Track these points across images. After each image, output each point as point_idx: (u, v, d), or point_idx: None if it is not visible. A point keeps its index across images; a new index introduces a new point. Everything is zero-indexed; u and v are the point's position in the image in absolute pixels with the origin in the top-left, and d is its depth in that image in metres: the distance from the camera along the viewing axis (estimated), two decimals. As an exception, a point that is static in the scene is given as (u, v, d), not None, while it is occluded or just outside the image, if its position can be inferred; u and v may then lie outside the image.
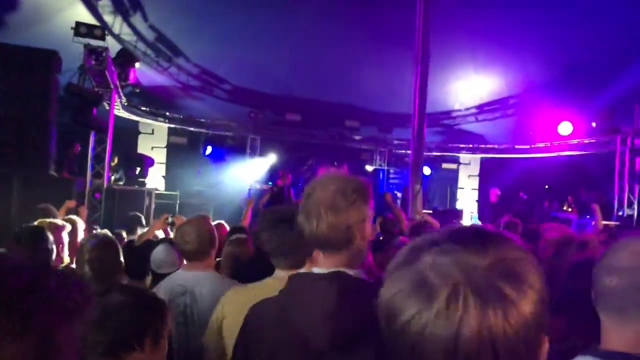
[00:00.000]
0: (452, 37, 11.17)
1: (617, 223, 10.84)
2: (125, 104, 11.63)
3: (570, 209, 12.18)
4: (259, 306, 1.74)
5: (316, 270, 1.64)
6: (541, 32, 11.26)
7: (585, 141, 12.91)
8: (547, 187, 15.76)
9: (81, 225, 3.98)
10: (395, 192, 14.90)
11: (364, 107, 13.97)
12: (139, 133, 13.61)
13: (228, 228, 4.90)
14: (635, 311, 1.22)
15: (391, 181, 16.46)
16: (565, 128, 13.03)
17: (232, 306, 2.26)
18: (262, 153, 14.10)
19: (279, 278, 2.09)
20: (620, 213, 11.81)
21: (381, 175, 15.22)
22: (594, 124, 12.25)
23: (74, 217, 3.97)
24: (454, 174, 16.36)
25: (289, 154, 14.12)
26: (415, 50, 9.02)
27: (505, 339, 0.73)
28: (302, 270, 1.71)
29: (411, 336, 0.76)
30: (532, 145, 14.30)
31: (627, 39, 10.90)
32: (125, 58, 10.57)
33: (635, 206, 11.83)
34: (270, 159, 13.73)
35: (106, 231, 3.09)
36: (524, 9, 10.73)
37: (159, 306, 1.79)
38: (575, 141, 13.10)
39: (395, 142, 15.09)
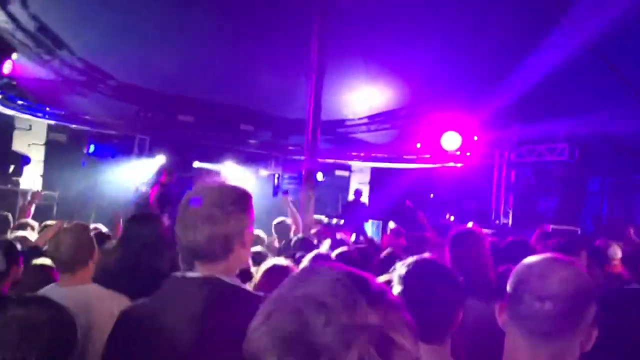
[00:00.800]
0: (346, 46, 11.43)
1: (493, 231, 11.62)
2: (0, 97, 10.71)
3: (452, 218, 12.87)
4: (129, 311, 1.70)
5: (190, 274, 1.62)
6: (427, 48, 11.82)
7: (467, 154, 13.74)
8: (431, 195, 16.59)
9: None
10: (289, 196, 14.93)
11: (260, 111, 13.91)
12: (15, 129, 12.58)
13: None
14: (560, 334, 1.28)
15: (286, 186, 16.52)
16: (449, 141, 13.82)
17: None
18: (150, 153, 13.54)
19: None
20: (498, 221, 12.70)
21: (276, 180, 15.23)
22: (475, 138, 13.07)
23: None
24: (346, 181, 16.74)
25: (180, 155, 13.68)
26: (311, 57, 9.13)
27: None
28: (177, 275, 1.65)
29: None
30: (418, 156, 14.97)
31: (506, 56, 11.76)
32: (1, 47, 9.73)
33: (510, 215, 12.80)
34: (160, 160, 13.23)
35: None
36: (415, 24, 11.20)
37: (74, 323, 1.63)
38: (457, 153, 13.91)
39: (291, 147, 15.15)
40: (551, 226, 11.35)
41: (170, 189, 10.85)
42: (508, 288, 1.35)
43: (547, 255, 1.41)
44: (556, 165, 12.08)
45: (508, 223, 12.45)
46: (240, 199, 1.70)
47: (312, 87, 9.02)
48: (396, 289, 1.72)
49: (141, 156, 13.52)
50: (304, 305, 0.76)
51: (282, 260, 3.00)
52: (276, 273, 2.80)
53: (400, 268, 1.78)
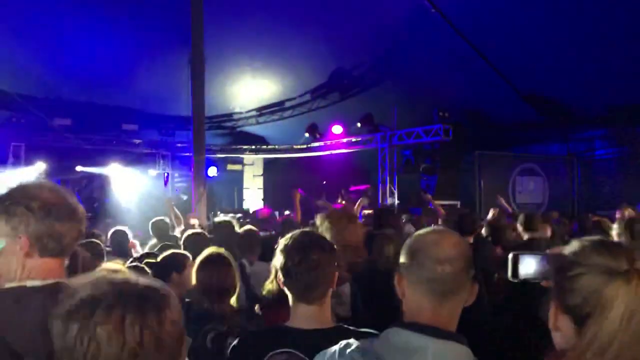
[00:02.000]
0: (227, 39, 11.41)
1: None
2: None
3: (342, 202, 13.33)
4: None
5: (30, 283, 1.57)
6: (311, 40, 12.10)
7: (353, 140, 14.27)
8: (324, 182, 17.04)
9: None
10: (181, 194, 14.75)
11: (142, 109, 13.52)
12: None
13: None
14: (456, 291, 1.47)
15: (177, 184, 16.21)
16: (337, 129, 14.35)
17: None
18: (27, 161, 12.74)
19: None
20: (385, 202, 13.32)
21: (166, 179, 14.92)
22: (359, 125, 13.61)
23: None
24: (239, 174, 16.75)
25: (60, 161, 13.00)
26: (190, 52, 9.05)
27: None
28: (13, 284, 1.58)
29: None
30: (308, 145, 15.31)
31: (384, 48, 12.33)
32: None
33: (396, 194, 13.48)
34: (39, 167, 12.48)
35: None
36: (294, 14, 11.40)
37: None
38: (344, 140, 14.41)
39: (178, 145, 14.89)
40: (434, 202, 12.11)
41: None
42: (404, 259, 1.54)
43: (432, 227, 1.62)
44: (433, 145, 12.87)
45: (394, 202, 13.11)
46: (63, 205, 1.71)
47: (193, 81, 8.94)
48: (279, 259, 1.97)
49: (17, 165, 12.69)
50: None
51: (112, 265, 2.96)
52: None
53: (282, 241, 2.03)
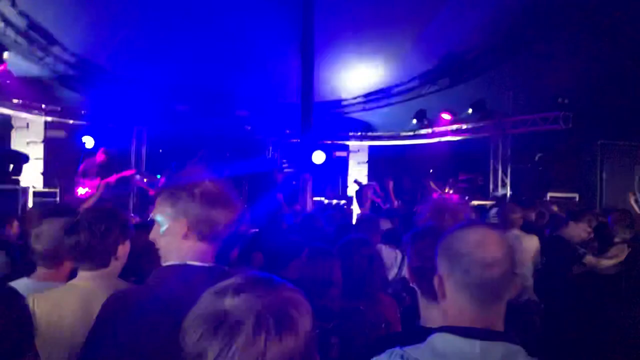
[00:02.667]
0: (335, 26, 11.42)
1: (493, 202, 11.71)
2: (-6, 96, 10.78)
3: (450, 191, 12.96)
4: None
5: (190, 262, 1.73)
6: (419, 23, 11.82)
7: (463, 127, 13.77)
8: (430, 171, 16.68)
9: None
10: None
11: (255, 96, 13.94)
12: (12, 128, 12.65)
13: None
14: (505, 293, 1.40)
15: (285, 170, 16.62)
16: (447, 115, 13.92)
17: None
18: (149, 145, 13.64)
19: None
20: (496, 193, 12.78)
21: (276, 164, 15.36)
22: (470, 111, 13.10)
23: None
24: (344, 161, 16.81)
25: (178, 144, 13.76)
26: (300, 40, 9.17)
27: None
28: (175, 262, 1.73)
29: None
30: (415, 132, 15.01)
31: (500, 30, 11.75)
32: (-8, 47, 9.78)
33: (508, 186, 12.87)
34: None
35: None
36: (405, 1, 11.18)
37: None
38: (454, 127, 13.94)
39: (288, 131, 15.22)
40: (550, 195, 11.47)
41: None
42: (446, 261, 1.45)
43: (470, 224, 1.52)
44: (550, 133, 12.11)
45: (506, 194, 12.53)
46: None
47: (303, 68, 9.05)
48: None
49: (140, 147, 13.62)
50: (219, 291, 1.01)
51: None
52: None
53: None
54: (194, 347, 0.94)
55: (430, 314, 1.88)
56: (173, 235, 1.73)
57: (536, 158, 12.46)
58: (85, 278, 2.21)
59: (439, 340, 1.38)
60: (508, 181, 12.89)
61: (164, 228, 1.74)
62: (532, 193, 11.62)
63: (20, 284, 2.22)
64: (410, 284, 1.97)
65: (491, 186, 13.01)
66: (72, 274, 2.34)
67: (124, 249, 2.30)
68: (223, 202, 1.76)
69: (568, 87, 11.89)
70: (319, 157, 14.46)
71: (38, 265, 2.44)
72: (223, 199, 1.76)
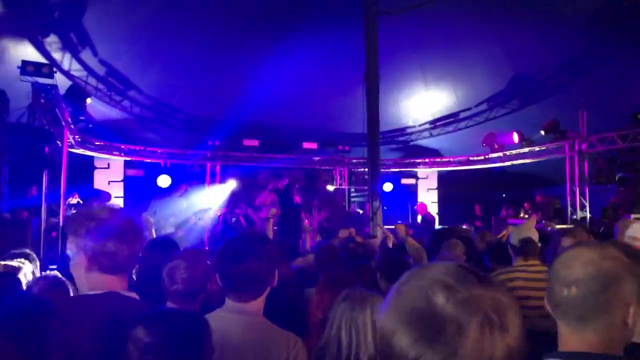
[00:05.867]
0: (400, 54, 11.48)
1: (572, 226, 11.19)
2: (79, 140, 11.48)
3: (526, 215, 12.50)
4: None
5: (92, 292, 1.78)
6: (486, 45, 11.68)
7: (537, 149, 13.31)
8: (504, 195, 16.20)
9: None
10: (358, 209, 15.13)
11: (321, 128, 14.13)
12: (95, 168, 13.40)
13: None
14: (594, 315, 1.34)
15: (353, 200, 16.65)
16: (516, 137, 13.52)
17: None
18: (221, 180, 14.04)
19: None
20: (575, 217, 12.20)
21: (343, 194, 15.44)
22: (542, 132, 12.68)
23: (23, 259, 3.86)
24: (414, 188, 16.62)
25: (249, 179, 14.11)
26: (365, 70, 9.24)
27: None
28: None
29: None
30: (486, 156, 14.66)
31: (569, 49, 11.43)
32: (76, 94, 10.46)
33: (588, 208, 12.25)
34: (230, 185, 13.68)
35: (56, 273, 3.02)
36: (469, 22, 11.11)
37: None
38: (526, 150, 13.51)
39: (354, 161, 15.29)
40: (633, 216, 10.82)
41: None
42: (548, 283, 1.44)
43: (580, 243, 1.47)
44: (630, 152, 11.48)
45: (586, 217, 11.94)
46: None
47: (368, 98, 9.10)
48: None
49: (213, 183, 14.04)
50: (427, 285, 0.90)
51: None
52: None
53: None
54: (407, 352, 0.86)
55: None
56: (80, 267, 1.77)
57: (616, 178, 11.83)
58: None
59: None
60: (587, 203, 12.29)
61: (73, 262, 1.79)
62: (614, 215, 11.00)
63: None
64: None
65: (569, 209, 12.44)
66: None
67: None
68: (121, 234, 1.77)
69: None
70: (387, 186, 14.41)
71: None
72: (121, 230, 1.77)
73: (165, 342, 1.47)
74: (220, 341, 1.58)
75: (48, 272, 3.10)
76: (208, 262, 2.49)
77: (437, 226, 13.65)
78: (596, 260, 1.36)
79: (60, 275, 2.88)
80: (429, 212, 14.36)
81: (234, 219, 12.23)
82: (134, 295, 1.83)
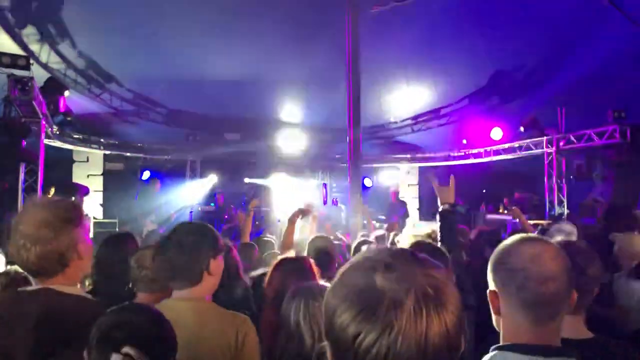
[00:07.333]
0: (382, 51, 11.47)
1: (550, 221, 11.32)
2: (57, 133, 11.31)
3: (505, 211, 12.64)
4: None
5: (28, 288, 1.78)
6: (466, 43, 11.73)
7: (516, 145, 13.45)
8: (484, 191, 16.35)
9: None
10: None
11: (302, 123, 14.11)
12: (73, 162, 13.24)
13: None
14: (562, 308, 1.38)
15: (334, 194, 16.65)
16: (496, 133, 13.64)
17: None
18: (202, 174, 13.97)
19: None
20: (552, 212, 12.36)
21: (324, 190, 15.41)
22: (521, 128, 12.81)
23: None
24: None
25: (230, 173, 14.05)
26: (347, 65, 9.22)
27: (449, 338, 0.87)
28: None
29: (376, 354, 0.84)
30: (466, 152, 14.78)
31: (549, 47, 11.53)
32: (54, 87, 10.27)
33: (565, 204, 12.43)
34: (211, 179, 13.62)
35: (16, 268, 2.93)
36: (450, 20, 11.14)
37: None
38: (506, 145, 13.64)
39: (336, 156, 15.29)
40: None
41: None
42: (500, 276, 1.42)
43: (522, 236, 1.48)
44: (608, 149, 11.65)
45: (563, 213, 12.10)
46: (71, 214, 1.77)
47: (349, 93, 9.09)
48: None
49: (194, 178, 13.96)
50: (369, 265, 0.93)
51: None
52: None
53: None
54: (347, 328, 0.87)
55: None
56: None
57: (593, 175, 12.02)
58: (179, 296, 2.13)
59: (499, 359, 1.36)
60: (565, 199, 12.47)
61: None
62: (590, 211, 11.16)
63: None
64: None
65: (547, 205, 12.60)
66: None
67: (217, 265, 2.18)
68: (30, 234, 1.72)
69: (623, 100, 11.50)
70: (367, 181, 14.46)
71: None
72: (46, 226, 1.72)
73: (134, 336, 1.46)
74: (176, 329, 1.59)
75: (9, 267, 3.05)
76: None
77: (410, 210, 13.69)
78: (559, 252, 1.40)
79: (20, 271, 2.81)
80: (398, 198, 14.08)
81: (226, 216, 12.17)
82: (75, 290, 1.81)
